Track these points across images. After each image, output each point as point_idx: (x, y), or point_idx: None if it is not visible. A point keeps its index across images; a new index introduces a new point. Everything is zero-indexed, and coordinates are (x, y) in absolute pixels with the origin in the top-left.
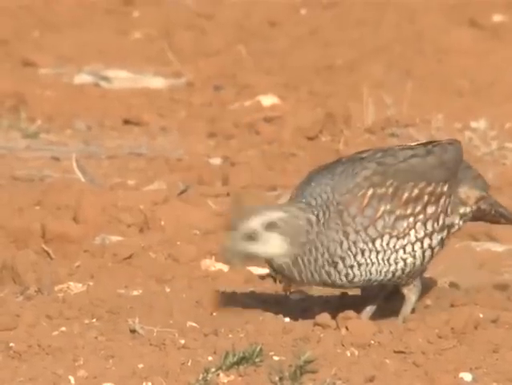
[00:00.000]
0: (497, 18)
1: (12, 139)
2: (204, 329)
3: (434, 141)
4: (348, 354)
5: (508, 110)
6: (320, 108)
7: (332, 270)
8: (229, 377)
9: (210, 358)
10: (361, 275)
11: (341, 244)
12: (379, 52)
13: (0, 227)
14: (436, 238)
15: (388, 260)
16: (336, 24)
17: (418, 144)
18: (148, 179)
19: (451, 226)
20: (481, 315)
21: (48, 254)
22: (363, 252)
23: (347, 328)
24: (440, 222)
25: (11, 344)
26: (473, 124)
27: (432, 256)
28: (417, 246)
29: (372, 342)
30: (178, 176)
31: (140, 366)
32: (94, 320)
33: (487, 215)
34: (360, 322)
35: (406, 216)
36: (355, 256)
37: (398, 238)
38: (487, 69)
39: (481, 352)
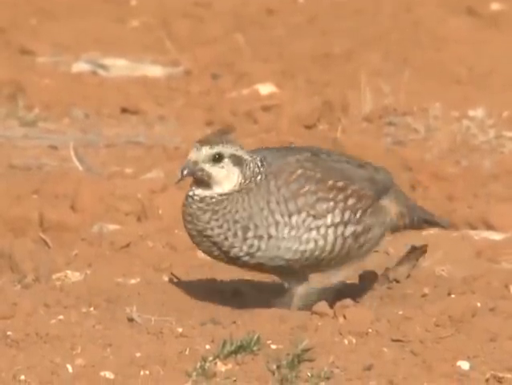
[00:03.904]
0: (495, 6)
1: (10, 128)
2: (201, 317)
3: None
4: (346, 343)
5: (506, 98)
6: (318, 97)
7: (240, 234)
8: (227, 365)
9: (208, 347)
10: (266, 250)
11: (261, 210)
12: (377, 41)
13: None
14: (351, 230)
15: (299, 237)
16: (334, 13)
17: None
18: (146, 167)
19: (368, 230)
20: (478, 304)
21: (46, 243)
22: (277, 224)
23: (344, 317)
24: (358, 216)
25: (9, 333)
26: (471, 113)
27: (342, 247)
28: (331, 230)
29: (370, 330)
30: (176, 165)
31: (138, 354)
32: (91, 308)
33: (412, 226)
34: (358, 311)
35: (327, 199)
36: (268, 227)
37: (315, 218)
38: (485, 57)
39: (478, 341)
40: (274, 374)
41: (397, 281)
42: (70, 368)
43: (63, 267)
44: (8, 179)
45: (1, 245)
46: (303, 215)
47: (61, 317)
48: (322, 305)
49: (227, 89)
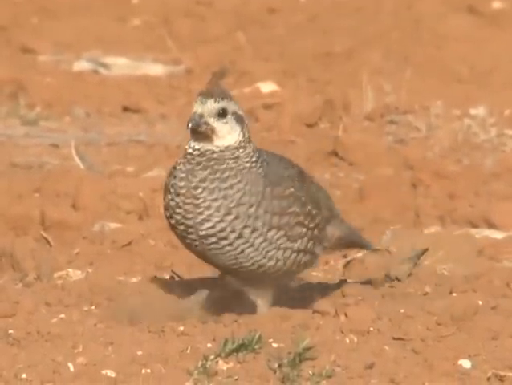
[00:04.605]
0: (496, 4)
1: (11, 126)
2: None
3: None
4: (347, 341)
5: (507, 97)
6: (319, 95)
7: (220, 213)
8: (228, 364)
9: (209, 345)
10: (231, 245)
11: (250, 206)
12: (378, 39)
13: None
14: (305, 258)
15: (267, 252)
16: (335, 11)
17: None
18: (148, 166)
19: (311, 257)
20: (480, 302)
21: (47, 241)
22: (253, 230)
23: (346, 315)
24: (311, 245)
25: (10, 331)
26: (473, 111)
27: (290, 271)
28: (293, 255)
29: (371, 329)
30: None
31: (139, 353)
32: (93, 307)
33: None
34: (359, 309)
35: (303, 225)
36: (244, 227)
37: (288, 240)
38: (486, 56)
39: (480, 339)
40: (275, 372)
41: (399, 280)
42: (71, 367)
43: (65, 265)
44: (9, 177)
45: (2, 244)
46: (281, 233)
47: (62, 315)
48: (323, 304)
49: (228, 87)
